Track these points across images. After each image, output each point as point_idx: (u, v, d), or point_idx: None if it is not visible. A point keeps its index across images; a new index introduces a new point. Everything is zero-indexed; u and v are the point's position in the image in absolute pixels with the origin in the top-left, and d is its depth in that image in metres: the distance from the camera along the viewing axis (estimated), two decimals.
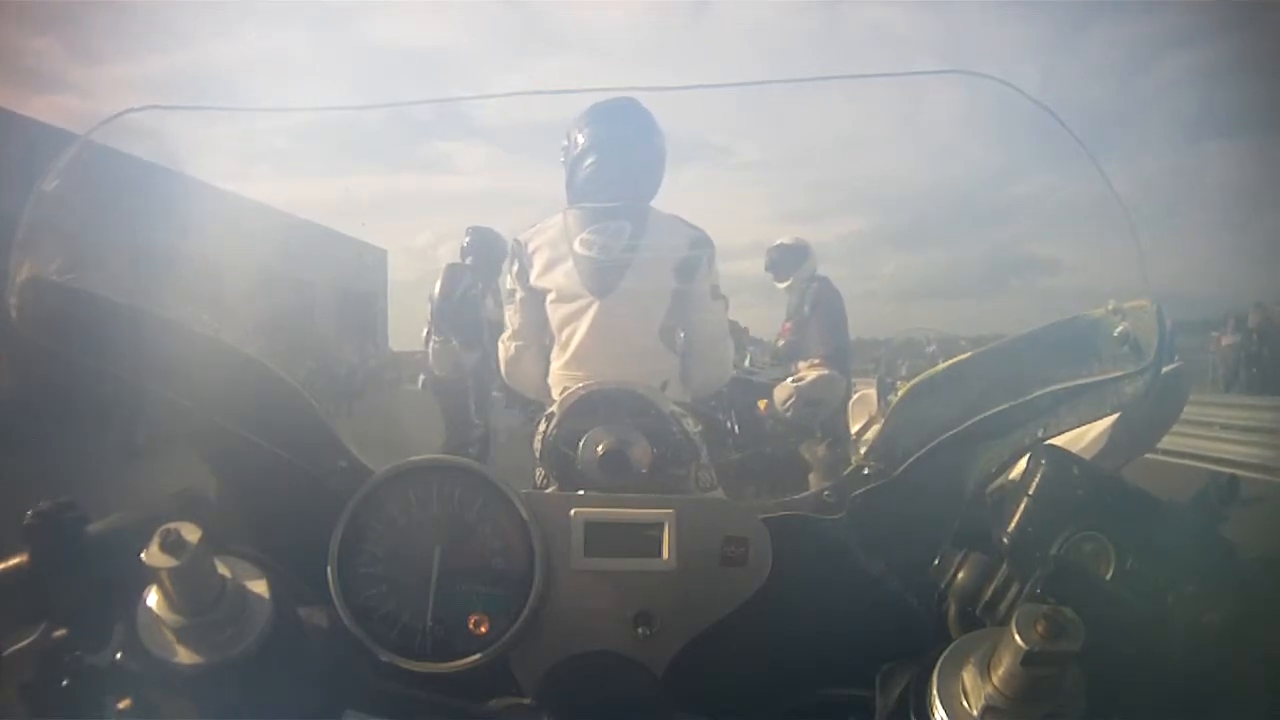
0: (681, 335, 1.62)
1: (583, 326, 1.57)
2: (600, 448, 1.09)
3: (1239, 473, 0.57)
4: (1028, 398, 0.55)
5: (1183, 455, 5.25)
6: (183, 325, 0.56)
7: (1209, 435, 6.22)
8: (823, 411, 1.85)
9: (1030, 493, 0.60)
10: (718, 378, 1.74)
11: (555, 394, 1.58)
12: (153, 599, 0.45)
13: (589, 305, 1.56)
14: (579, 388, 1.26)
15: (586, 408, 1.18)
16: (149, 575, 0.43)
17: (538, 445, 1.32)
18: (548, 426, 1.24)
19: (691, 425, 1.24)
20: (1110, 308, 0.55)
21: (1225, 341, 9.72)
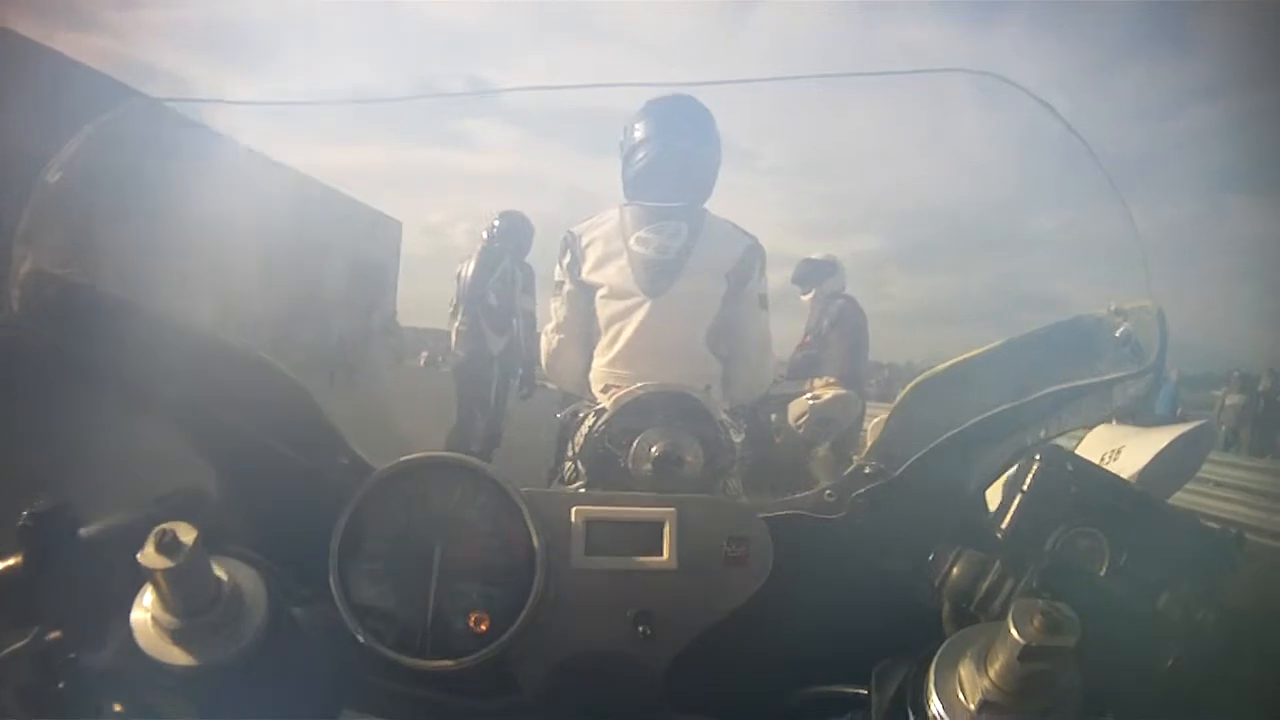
0: (727, 341, 1.61)
1: (632, 325, 1.55)
2: (655, 449, 1.09)
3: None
4: (1030, 398, 0.55)
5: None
6: (185, 321, 0.55)
7: (1204, 492, 6.35)
8: (836, 431, 1.85)
9: (1025, 488, 0.60)
10: (758, 386, 1.73)
11: (597, 390, 1.56)
12: (148, 600, 0.44)
13: (641, 304, 1.55)
14: (636, 387, 1.25)
15: (641, 408, 1.17)
16: (145, 576, 0.43)
17: (579, 440, 1.31)
18: (596, 422, 1.23)
19: (735, 434, 1.23)
20: (1112, 308, 0.55)
21: (1230, 401, 9.82)
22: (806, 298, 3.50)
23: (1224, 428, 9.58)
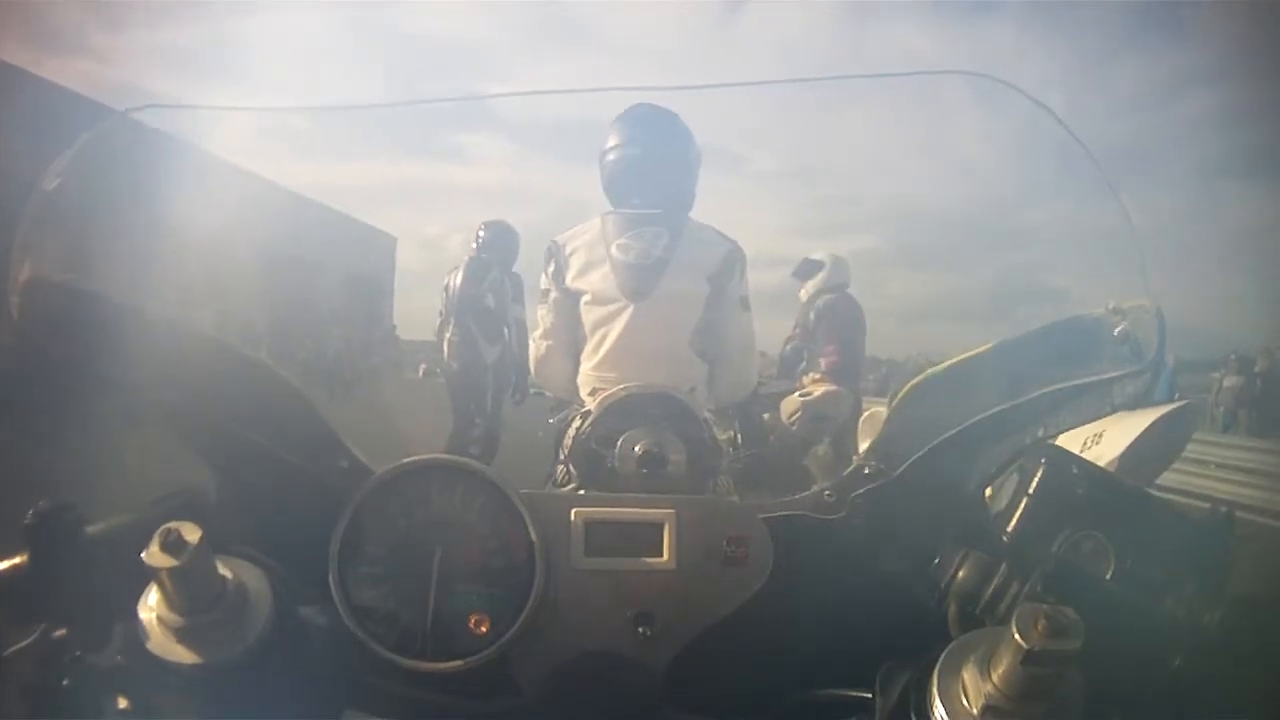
0: (710, 343, 1.63)
1: (616, 329, 1.58)
2: (638, 448, 1.10)
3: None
4: (1028, 397, 0.55)
5: (1175, 491, 5.29)
6: (185, 326, 0.56)
7: (1203, 473, 6.31)
8: (829, 427, 1.85)
9: (1030, 492, 0.60)
10: (743, 387, 1.75)
11: (584, 394, 1.59)
12: (153, 599, 0.45)
13: (624, 309, 1.58)
14: (619, 389, 1.28)
15: (625, 409, 1.19)
16: (149, 575, 0.43)
17: (567, 443, 1.33)
18: (582, 424, 1.25)
19: (720, 432, 1.24)
20: (1110, 307, 0.55)
21: (1227, 383, 9.75)
22: (803, 293, 3.55)
23: (1222, 409, 9.55)
